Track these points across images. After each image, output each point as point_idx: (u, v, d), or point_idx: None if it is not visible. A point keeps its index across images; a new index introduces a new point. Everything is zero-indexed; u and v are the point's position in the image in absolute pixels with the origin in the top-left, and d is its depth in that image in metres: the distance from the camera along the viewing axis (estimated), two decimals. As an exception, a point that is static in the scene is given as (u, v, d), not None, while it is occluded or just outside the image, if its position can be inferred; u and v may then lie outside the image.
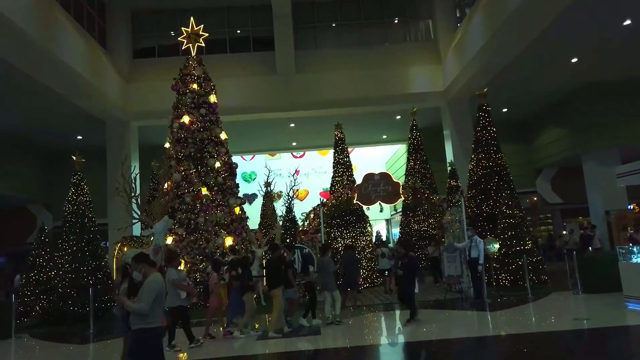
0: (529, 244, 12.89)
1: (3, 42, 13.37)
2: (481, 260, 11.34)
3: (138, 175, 15.43)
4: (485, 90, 14.94)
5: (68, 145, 21.83)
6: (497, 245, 12.26)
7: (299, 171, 23.16)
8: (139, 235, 16.64)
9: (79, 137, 22.78)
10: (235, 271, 9.62)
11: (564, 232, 24.12)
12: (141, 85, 21.32)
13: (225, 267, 10.14)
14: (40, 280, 12.26)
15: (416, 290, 9.82)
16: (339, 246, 15.30)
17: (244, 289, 9.37)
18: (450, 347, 7.79)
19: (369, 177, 13.92)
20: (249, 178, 31.63)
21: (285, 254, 9.83)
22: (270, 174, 23.18)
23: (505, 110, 22.96)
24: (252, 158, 31.34)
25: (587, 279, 11.31)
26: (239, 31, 23.25)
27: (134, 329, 4.67)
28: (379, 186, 13.62)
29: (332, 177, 17.56)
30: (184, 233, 14.43)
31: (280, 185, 23.85)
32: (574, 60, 17.52)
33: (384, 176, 13.96)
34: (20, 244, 22.13)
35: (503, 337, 8.27)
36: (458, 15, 21.62)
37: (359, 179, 16.01)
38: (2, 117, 18.75)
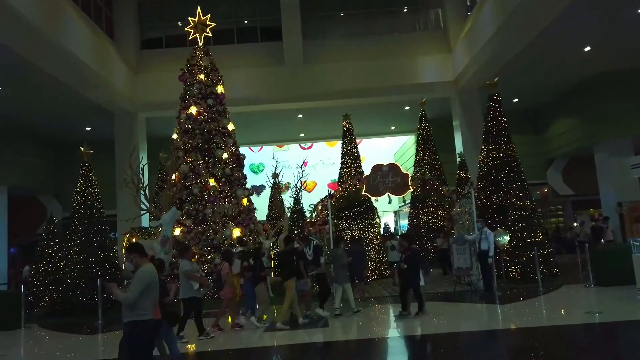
0: (539, 236, 12.71)
1: (10, 32, 13.32)
2: (491, 253, 11.18)
3: (146, 166, 15.45)
4: (496, 80, 14.70)
5: (77, 136, 21.88)
6: (507, 237, 12.09)
7: (306, 162, 23.04)
8: (147, 226, 16.68)
9: (88, 129, 22.82)
10: (247, 262, 9.65)
11: (575, 224, 23.84)
12: (149, 76, 21.28)
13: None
14: (49, 270, 12.32)
15: (422, 283, 9.66)
16: (347, 238, 15.21)
17: (256, 280, 9.36)
18: (459, 341, 7.69)
19: (377, 168, 13.75)
20: (256, 169, 31.59)
21: (297, 245, 9.81)
22: (278, 165, 23.08)
23: (516, 100, 22.63)
24: (260, 149, 31.28)
25: (599, 272, 11.14)
26: (246, 21, 23.10)
27: (125, 321, 4.61)
28: (387, 177, 13.46)
29: (340, 168, 17.43)
30: (192, 224, 14.43)
31: (288, 177, 23.77)
32: (587, 49, 17.17)
33: (393, 167, 13.79)
34: (31, 234, 22.31)
35: (513, 330, 8.14)
36: (468, 3, 21.27)
37: (367, 170, 15.89)
38: (12, 108, 18.78)
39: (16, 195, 21.73)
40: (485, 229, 11.34)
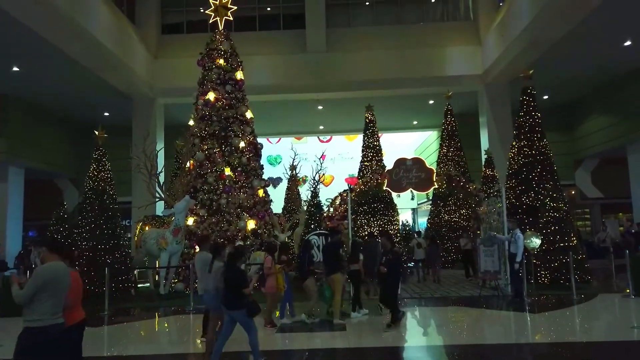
0: (574, 240, 11.88)
1: (31, 12, 13.06)
2: (519, 258, 10.40)
3: (160, 151, 15.02)
4: (531, 71, 13.80)
5: (96, 121, 21.66)
6: (538, 241, 11.24)
7: (325, 156, 22.41)
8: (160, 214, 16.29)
9: (106, 114, 22.60)
10: (286, 255, 9.20)
11: (602, 229, 22.87)
12: (169, 61, 20.91)
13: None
14: (57, 257, 11.96)
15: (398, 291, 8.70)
16: (365, 234, 14.58)
17: (304, 274, 8.91)
18: (483, 355, 6.89)
19: (400, 163, 13.05)
20: (274, 161, 31.11)
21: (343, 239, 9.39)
22: (295, 156, 22.53)
23: (546, 97, 21.64)
24: (278, 141, 30.77)
25: (640, 281, 10.31)
26: (269, 8, 22.51)
27: (24, 326, 4.01)
28: (411, 172, 12.74)
29: (361, 161, 16.80)
30: (206, 214, 13.96)
31: (305, 170, 23.21)
32: (627, 43, 16.19)
33: (417, 162, 13.06)
34: (46, 218, 22.17)
35: (546, 345, 7.28)
36: (501, -7, 20.33)
37: (388, 165, 15.23)
38: (32, 89, 18.62)
39: (33, 179, 21.64)
40: (516, 230, 10.56)
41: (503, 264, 11.16)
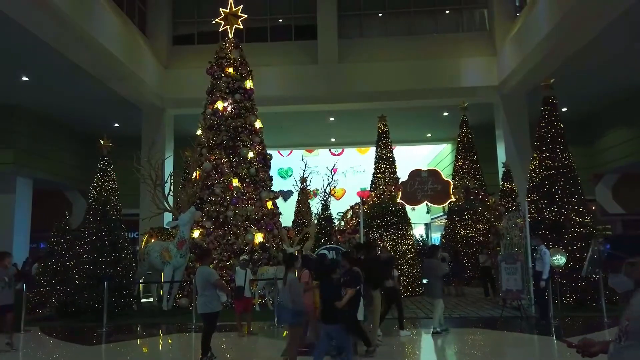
0: (602, 257, 11.14)
1: (39, 21, 12.88)
2: (545, 275, 9.71)
3: (168, 161, 14.62)
4: (552, 80, 13.21)
5: (106, 132, 21.40)
6: (563, 258, 10.52)
7: (336, 169, 21.88)
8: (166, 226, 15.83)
9: (116, 125, 22.39)
10: (310, 270, 8.64)
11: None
12: (179, 72, 20.69)
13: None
14: (57, 269, 11.52)
15: (360, 317, 7.31)
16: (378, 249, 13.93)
17: None
18: None
19: (415, 174, 12.46)
20: (284, 174, 30.65)
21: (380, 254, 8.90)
22: (306, 169, 22.03)
23: (564, 109, 20.93)
24: (290, 154, 30.33)
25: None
26: (280, 19, 22.29)
27: None
28: (426, 184, 12.15)
29: (373, 173, 16.25)
30: (212, 227, 13.47)
31: (316, 183, 22.68)
32: (652, 52, 15.53)
33: (433, 173, 12.48)
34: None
35: None
36: (517, 4, 19.84)
37: (401, 178, 14.65)
38: (41, 100, 18.45)
39: (42, 190, 21.41)
40: (542, 247, 9.89)
41: (526, 282, 10.45)
